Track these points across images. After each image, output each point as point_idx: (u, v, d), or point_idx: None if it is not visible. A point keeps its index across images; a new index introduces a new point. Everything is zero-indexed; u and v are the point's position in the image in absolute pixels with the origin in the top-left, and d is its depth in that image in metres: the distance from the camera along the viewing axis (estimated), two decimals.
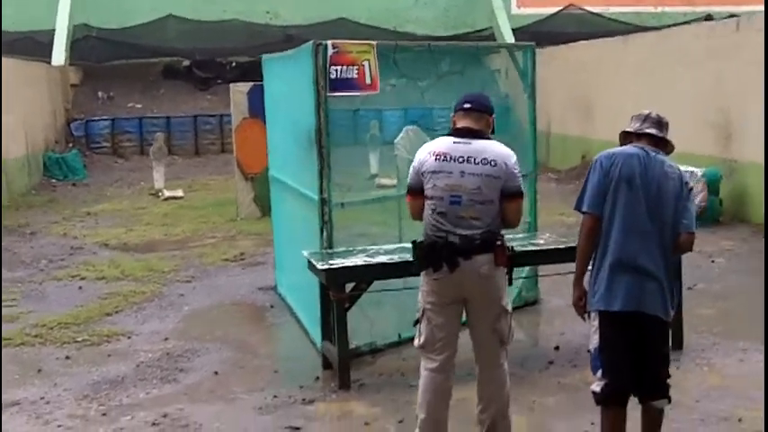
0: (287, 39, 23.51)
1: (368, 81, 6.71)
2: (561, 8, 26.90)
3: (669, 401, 4.61)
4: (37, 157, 19.36)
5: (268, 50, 10.28)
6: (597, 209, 4.51)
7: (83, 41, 24.28)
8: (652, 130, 4.65)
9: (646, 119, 4.71)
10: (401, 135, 12.01)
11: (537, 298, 8.39)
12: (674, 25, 21.01)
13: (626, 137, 4.73)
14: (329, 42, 6.50)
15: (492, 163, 4.65)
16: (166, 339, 7.52)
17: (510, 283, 4.92)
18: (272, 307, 8.47)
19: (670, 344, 4.84)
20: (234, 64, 25.62)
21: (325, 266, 6.00)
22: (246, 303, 8.78)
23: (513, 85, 8.86)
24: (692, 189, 4.68)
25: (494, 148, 4.73)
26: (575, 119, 18.66)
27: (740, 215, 12.41)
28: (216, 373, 6.59)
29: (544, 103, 20.59)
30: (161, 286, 9.48)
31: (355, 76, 6.64)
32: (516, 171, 4.70)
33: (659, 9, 27.79)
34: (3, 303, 8.65)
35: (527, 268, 7.99)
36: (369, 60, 6.71)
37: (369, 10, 26.16)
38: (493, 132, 4.92)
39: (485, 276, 4.70)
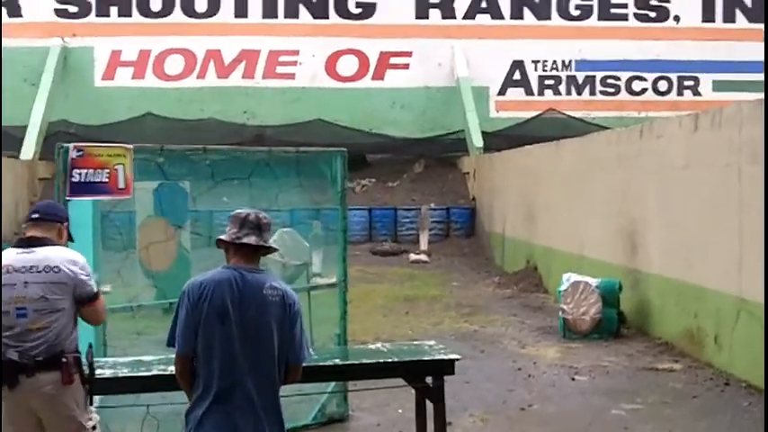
0: (257, 138, 23.71)
1: (120, 185, 6.52)
2: (540, 112, 26.88)
3: None
4: None
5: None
6: (187, 348, 4.14)
7: (57, 137, 24.68)
8: (250, 239, 4.18)
9: (243, 224, 4.21)
10: (274, 237, 11.79)
11: (345, 414, 7.95)
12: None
13: (224, 245, 4.28)
14: (71, 145, 6.35)
15: (55, 269, 4.56)
16: None
17: (91, 403, 4.73)
18: None
19: None
20: (208, 162, 25.76)
21: None
22: None
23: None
24: (298, 310, 4.24)
25: (58, 253, 4.65)
26: (522, 222, 18.35)
27: (643, 328, 11.90)
28: None
29: (501, 207, 20.58)
30: None
31: (106, 179, 6.45)
32: (84, 275, 4.63)
33: (643, 114, 27.54)
34: None
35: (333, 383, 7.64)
36: (123, 164, 6.54)
37: (346, 111, 26.34)
38: (70, 239, 4.91)
39: (50, 396, 4.51)
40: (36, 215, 4.78)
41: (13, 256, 4.61)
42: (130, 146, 6.67)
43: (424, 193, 24.92)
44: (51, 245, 4.67)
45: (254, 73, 27.50)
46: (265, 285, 4.17)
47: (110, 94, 26.53)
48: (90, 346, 4.67)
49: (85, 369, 4.69)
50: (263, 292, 4.15)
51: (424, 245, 21.88)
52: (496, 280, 17.80)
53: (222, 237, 4.25)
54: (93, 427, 4.70)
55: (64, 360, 4.49)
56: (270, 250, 4.33)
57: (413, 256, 21.06)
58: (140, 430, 6.11)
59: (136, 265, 10.12)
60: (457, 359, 6.42)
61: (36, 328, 4.48)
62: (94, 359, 4.83)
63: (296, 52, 27.59)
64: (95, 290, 4.68)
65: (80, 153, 6.36)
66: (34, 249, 4.61)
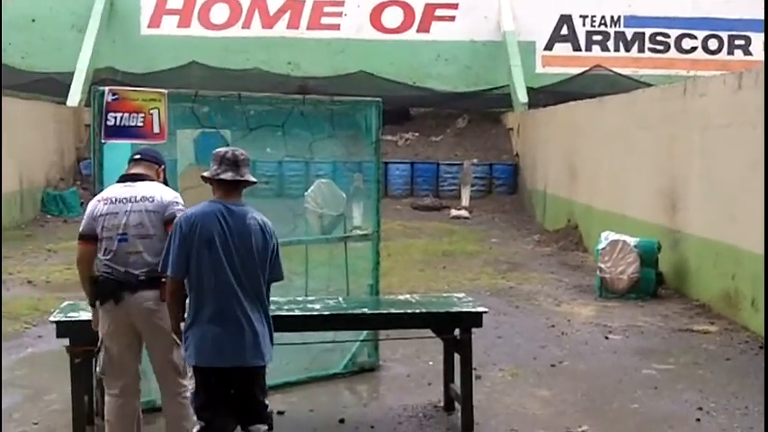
0: (300, 90, 23.64)
1: (155, 130, 6.55)
2: (587, 69, 26.46)
3: (270, 427, 4.88)
4: (34, 193, 19.75)
5: None
6: (180, 273, 4.72)
7: (103, 84, 24.82)
8: (227, 175, 4.75)
9: (222, 161, 4.81)
10: (312, 188, 11.81)
11: (376, 364, 7.99)
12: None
13: (207, 181, 4.87)
14: (107, 89, 6.38)
15: (151, 199, 5.19)
16: None
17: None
18: None
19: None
20: (252, 112, 25.83)
21: (57, 318, 5.90)
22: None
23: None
24: (277, 239, 4.87)
25: (155, 187, 5.27)
26: (564, 180, 18.19)
27: (682, 289, 11.77)
28: None
29: (543, 164, 20.39)
30: (28, 327, 9.41)
31: (140, 124, 6.47)
32: (172, 202, 5.18)
33: (692, 73, 26.99)
34: None
35: (365, 332, 7.69)
36: (158, 109, 6.56)
37: (390, 64, 26.20)
38: (166, 183, 5.44)
39: (150, 310, 5.10)
40: (138, 156, 5.46)
41: (117, 189, 5.26)
42: (165, 90, 6.69)
43: (467, 148, 24.79)
44: (150, 181, 5.30)
45: (299, 23, 27.44)
46: (247, 216, 4.76)
47: (155, 43, 26.64)
48: None
49: None
50: (247, 221, 4.74)
51: (465, 201, 21.81)
52: (536, 238, 17.72)
53: (205, 174, 4.85)
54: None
55: (163, 280, 4.92)
56: (248, 183, 4.85)
57: (454, 212, 21.01)
58: None
59: None
60: (484, 312, 6.42)
61: (134, 251, 5.07)
62: None
63: (341, 3, 27.46)
64: (176, 215, 4.99)
65: (115, 97, 6.40)
66: (135, 184, 5.24)
